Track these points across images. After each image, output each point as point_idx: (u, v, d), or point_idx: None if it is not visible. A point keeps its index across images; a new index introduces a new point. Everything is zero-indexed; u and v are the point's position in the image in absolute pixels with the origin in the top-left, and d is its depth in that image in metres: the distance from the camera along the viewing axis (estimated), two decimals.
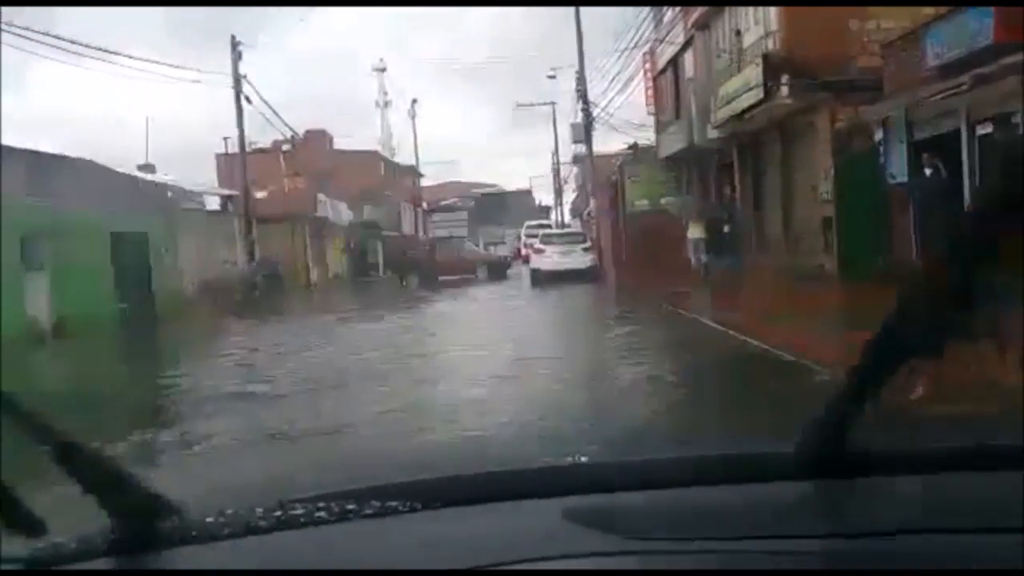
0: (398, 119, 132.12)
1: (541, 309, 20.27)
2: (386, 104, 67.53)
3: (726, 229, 23.63)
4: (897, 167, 14.44)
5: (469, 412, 7.25)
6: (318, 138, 52.87)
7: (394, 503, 1.07)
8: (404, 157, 65.41)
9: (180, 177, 29.07)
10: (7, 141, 18.75)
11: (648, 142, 31.79)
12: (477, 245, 40.85)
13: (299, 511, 1.06)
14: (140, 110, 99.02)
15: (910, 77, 13.70)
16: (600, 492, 1.09)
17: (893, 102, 14.00)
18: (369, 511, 1.06)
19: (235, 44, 26.83)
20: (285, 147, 44.93)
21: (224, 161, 49.87)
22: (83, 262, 19.69)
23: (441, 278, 30.48)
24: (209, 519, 1.05)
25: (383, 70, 66.43)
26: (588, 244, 29.59)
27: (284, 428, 7.24)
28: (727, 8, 21.52)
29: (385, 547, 1.02)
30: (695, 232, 22.39)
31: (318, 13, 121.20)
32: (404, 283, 31.54)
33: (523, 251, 37.50)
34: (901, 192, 14.50)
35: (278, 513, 1.06)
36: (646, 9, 27.27)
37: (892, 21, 16.71)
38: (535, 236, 33.36)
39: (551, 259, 27.47)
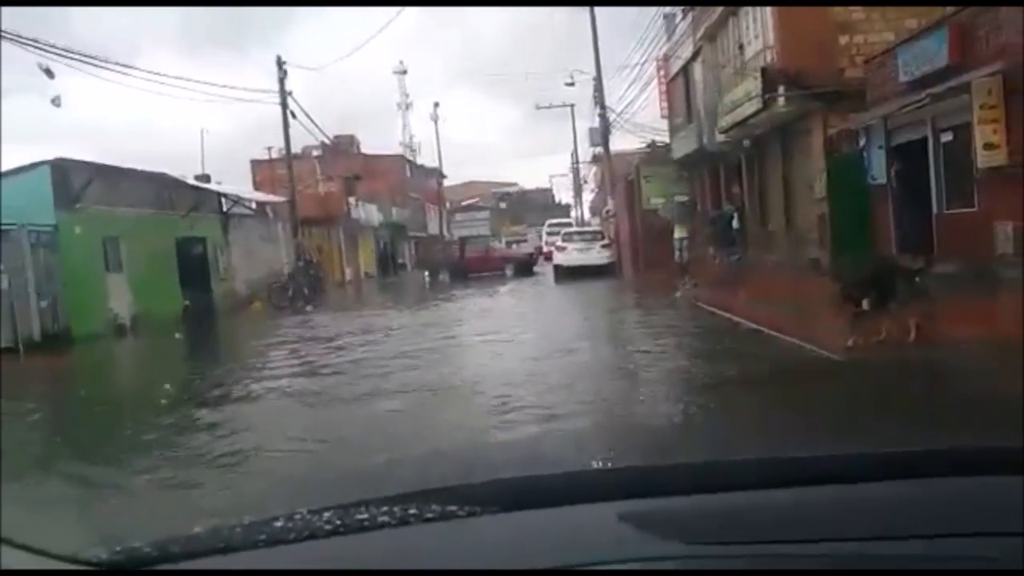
0: (417, 119, 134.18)
1: (566, 301, 22.34)
2: (407, 106, 69.73)
3: (735, 225, 25.65)
4: (877, 169, 16.40)
5: (530, 382, 8.73)
6: (346, 143, 55.15)
7: (453, 507, 1.09)
8: (426, 158, 67.54)
9: (218, 183, 31.36)
10: (83, 156, 20.95)
11: (664, 141, 33.75)
12: (500, 243, 42.70)
13: (363, 515, 1.10)
14: (184, 122, 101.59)
15: (887, 90, 15.65)
16: (652, 496, 1.12)
17: (873, 112, 15.94)
18: (430, 515, 1.09)
19: (280, 63, 29.11)
20: (315, 153, 47.16)
21: (258, 167, 52.40)
22: (154, 264, 21.99)
23: (470, 275, 32.37)
24: (275, 522, 1.11)
25: (404, 72, 68.45)
26: (607, 241, 31.58)
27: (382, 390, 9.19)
28: (731, 22, 23.45)
29: (446, 550, 1.05)
30: (679, 232, 25.18)
31: (335, 19, 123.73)
32: (436, 280, 33.47)
33: (544, 249, 39.42)
34: (882, 191, 16.45)
35: (339, 518, 1.09)
36: (660, 19, 29.44)
37: (876, 36, 18.67)
38: (556, 234, 35.32)
39: (572, 256, 29.50)
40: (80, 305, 18.53)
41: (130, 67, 21.99)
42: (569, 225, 46.79)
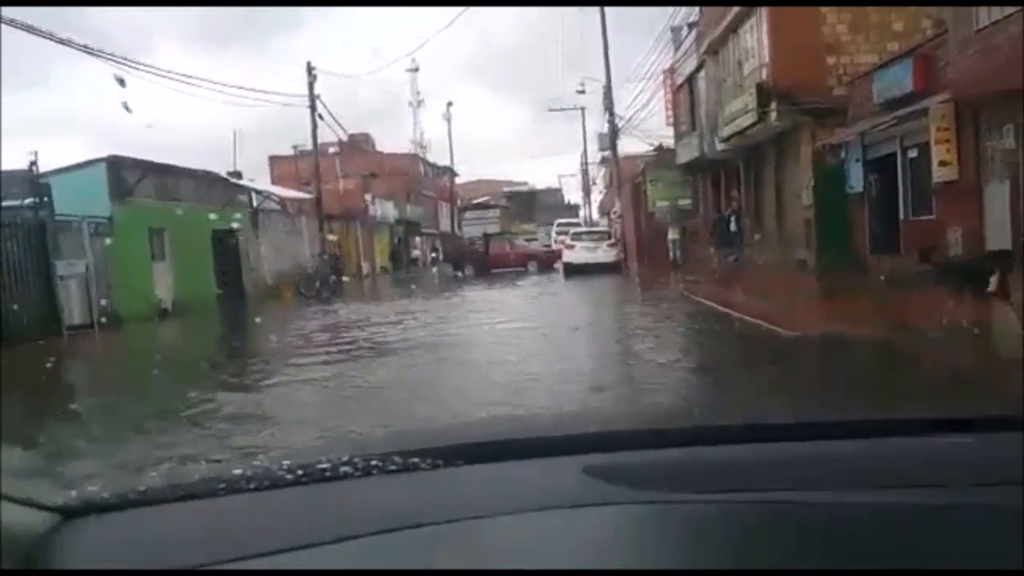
0: (429, 117, 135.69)
1: (576, 293, 24.16)
2: (419, 104, 71.27)
3: (733, 228, 27.48)
4: (855, 180, 18.17)
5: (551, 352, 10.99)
6: (362, 141, 56.91)
7: (416, 460, 1.12)
8: (438, 156, 69.16)
9: (251, 180, 33.26)
10: (124, 152, 22.75)
11: (671, 145, 35.57)
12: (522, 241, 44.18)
13: (324, 465, 1.13)
14: (198, 117, 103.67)
15: (864, 110, 17.41)
16: (618, 451, 1.15)
17: (851, 129, 17.70)
18: (392, 467, 1.11)
19: (310, 69, 31.03)
20: (332, 150, 48.94)
21: (276, 163, 54.35)
22: (192, 254, 23.83)
23: (493, 270, 34.05)
24: (235, 470, 1.14)
25: (416, 70, 69.78)
26: (613, 240, 33.35)
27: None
28: (732, 40, 25.20)
29: (404, 500, 1.06)
30: (672, 234, 28.45)
31: (344, 18, 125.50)
32: (463, 273, 35.22)
33: (554, 247, 41.22)
34: (859, 199, 18.21)
35: (300, 468, 1.12)
36: (667, 33, 31.27)
37: (862, 57, 20.41)
38: (565, 233, 37.11)
39: (580, 254, 31.25)
40: (129, 289, 20.36)
41: (161, 70, 23.42)
42: (578, 225, 48.38)
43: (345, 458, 1.12)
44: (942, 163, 14.19)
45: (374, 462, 1.11)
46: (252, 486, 1.09)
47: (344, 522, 0.97)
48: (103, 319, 17.77)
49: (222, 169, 29.60)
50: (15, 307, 15.05)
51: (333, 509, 1.04)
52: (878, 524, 0.95)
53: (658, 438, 1.22)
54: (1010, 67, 11.25)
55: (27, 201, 16.94)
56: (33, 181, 17.27)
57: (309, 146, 50.84)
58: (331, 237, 34.07)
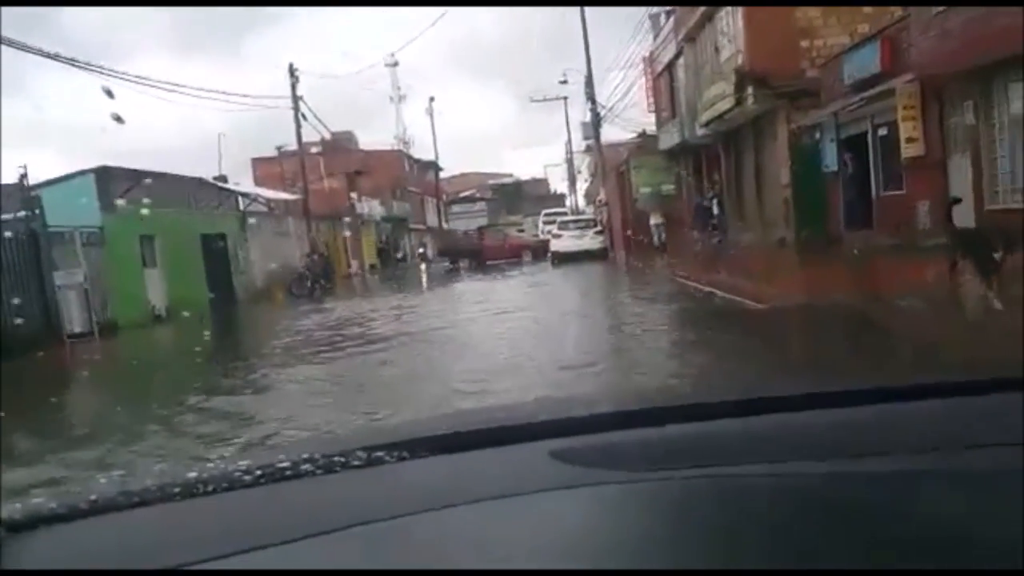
0: (410, 111, 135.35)
1: (565, 280, 24.63)
2: (400, 99, 71.35)
3: (715, 211, 27.99)
4: (829, 159, 18.62)
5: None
6: (345, 139, 57.09)
7: (380, 454, 1.10)
8: (421, 151, 69.34)
9: (236, 184, 33.55)
10: (99, 158, 23.02)
11: (654, 131, 36.02)
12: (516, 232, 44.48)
13: (283, 463, 1.09)
14: (176, 118, 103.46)
15: (836, 91, 17.85)
16: (585, 434, 1.14)
17: (824, 110, 18.14)
18: (356, 462, 1.09)
19: (292, 70, 31.32)
20: (314, 149, 49.16)
21: (258, 164, 54.53)
22: (183, 260, 24.14)
23: (488, 262, 34.62)
24: (190, 473, 1.10)
25: (395, 65, 69.67)
26: (599, 228, 33.82)
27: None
28: (708, 27, 25.61)
29: (368, 495, 1.04)
30: (655, 219, 29.52)
31: (319, 14, 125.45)
32: (457, 267, 35.71)
33: (541, 236, 41.63)
34: (834, 177, 18.67)
35: (259, 468, 1.09)
36: (647, 22, 31.69)
37: (834, 39, 20.82)
38: (553, 223, 37.54)
39: (567, 243, 31.71)
40: (123, 297, 20.68)
41: (145, 78, 23.71)
42: (564, 214, 48.76)
43: (305, 455, 1.10)
44: (909, 140, 14.64)
45: (337, 458, 1.09)
46: (209, 489, 1.06)
47: (306, 520, 0.95)
48: (101, 327, 18.10)
49: (204, 172, 29.90)
50: (15, 318, 15.38)
51: (294, 507, 1.02)
52: (869, 493, 0.94)
53: (626, 419, 1.21)
54: (965, 48, 11.72)
55: (20, 214, 17.22)
56: (24, 194, 17.56)
57: (291, 147, 51.36)
58: (320, 237, 34.37)
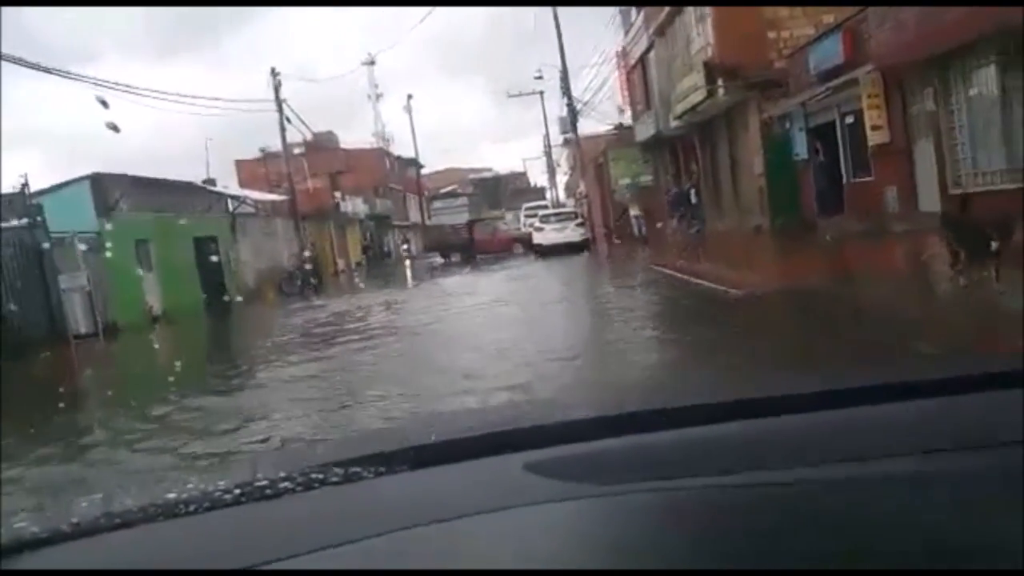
0: (388, 109, 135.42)
1: (549, 271, 25.42)
2: (378, 97, 71.60)
3: (693, 200, 28.82)
4: (800, 147, 19.46)
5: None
6: (326, 139, 57.56)
7: (357, 469, 1.10)
8: (400, 148, 69.75)
9: (225, 186, 34.08)
10: (99, 168, 23.56)
11: (631, 123, 36.81)
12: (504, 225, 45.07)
13: (262, 483, 1.09)
14: (156, 121, 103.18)
15: (803, 81, 18.66)
16: (560, 444, 1.12)
17: (793, 100, 18.95)
18: (335, 479, 1.09)
19: (275, 73, 31.91)
20: (296, 150, 49.64)
21: (242, 166, 54.97)
22: (177, 262, 24.74)
23: (478, 255, 35.35)
24: (170, 494, 1.10)
25: (372, 63, 69.81)
26: (580, 220, 34.53)
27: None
28: (678, 21, 26.39)
29: (349, 511, 1.04)
30: (634, 210, 30.58)
31: (294, 14, 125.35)
32: (449, 261, 36.46)
33: (523, 230, 42.30)
34: (805, 165, 19.51)
35: (238, 488, 1.08)
36: (617, 17, 32.44)
37: (800, 30, 21.62)
38: (534, 216, 38.23)
39: (549, 235, 32.42)
40: (122, 299, 21.28)
41: (131, 87, 24.18)
42: (545, 207, 49.38)
43: (283, 474, 1.10)
44: (875, 127, 15.46)
45: (314, 475, 1.09)
46: (190, 509, 1.06)
47: (286, 540, 0.95)
48: (103, 328, 18.72)
49: (187, 174, 30.39)
50: (23, 320, 15.99)
51: (275, 528, 1.02)
52: (865, 500, 0.92)
53: (605, 426, 1.18)
54: (919, 39, 12.54)
55: (23, 221, 17.80)
56: (26, 202, 18.13)
57: (274, 148, 51.89)
58: (307, 236, 34.95)
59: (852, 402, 1.16)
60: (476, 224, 40.43)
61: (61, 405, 8.32)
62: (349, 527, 0.98)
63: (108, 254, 21.05)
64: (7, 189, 18.22)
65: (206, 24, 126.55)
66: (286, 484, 1.08)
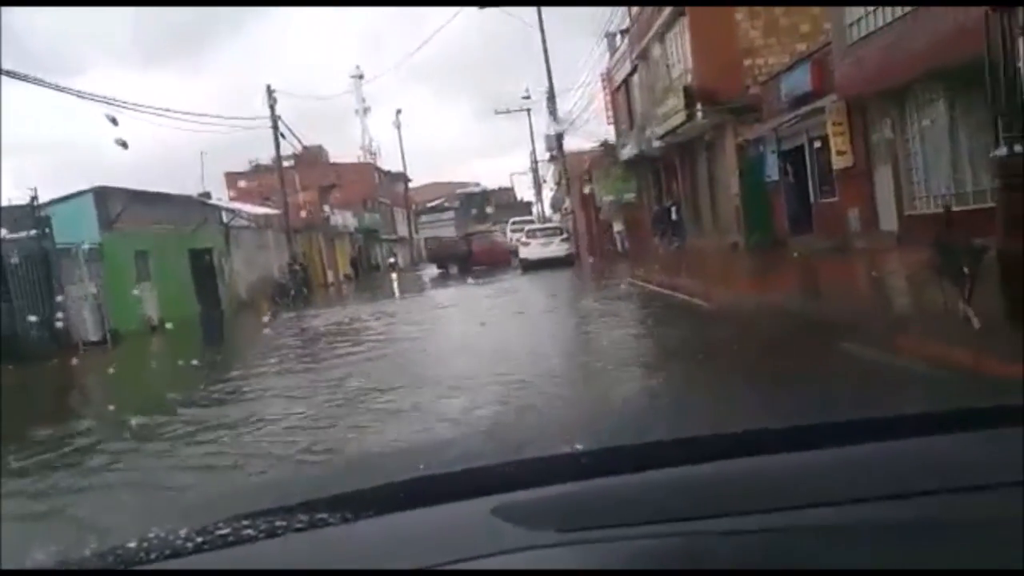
0: (374, 122, 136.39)
1: (534, 285, 26.41)
2: (365, 111, 72.46)
3: (674, 217, 29.93)
4: (772, 169, 20.55)
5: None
6: (315, 153, 58.48)
7: (323, 515, 1.07)
8: (386, 162, 70.69)
9: (219, 199, 34.99)
10: (108, 182, 24.43)
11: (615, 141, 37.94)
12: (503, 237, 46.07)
13: (224, 530, 1.06)
14: (142, 134, 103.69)
15: (775, 108, 19.76)
16: (527, 487, 1.09)
17: (765, 125, 20.05)
18: (299, 525, 1.07)
19: (271, 91, 32.90)
20: (285, 163, 50.54)
21: (231, 179, 55.89)
22: (174, 274, 25.58)
23: (475, 267, 36.38)
24: (131, 544, 1.06)
25: (360, 77, 70.62)
26: (565, 235, 35.51)
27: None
28: (659, 47, 27.52)
29: (309, 559, 1.01)
30: (617, 226, 32.25)
31: (283, 24, 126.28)
32: (447, 272, 37.53)
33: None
34: (777, 186, 20.60)
35: (199, 535, 1.06)
36: (603, 41, 33.62)
37: (775, 58, 22.76)
38: (520, 231, 39.21)
39: (535, 250, 33.34)
40: (122, 308, 22.10)
41: (136, 104, 24.96)
42: (532, 222, 50.33)
43: (246, 522, 1.07)
44: (839, 152, 16.55)
45: (279, 522, 1.06)
46: (152, 556, 1.04)
47: None
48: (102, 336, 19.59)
49: (176, 184, 31.25)
50: (34, 328, 16.84)
51: None
52: (860, 546, 0.89)
53: (577, 466, 1.14)
54: (876, 74, 13.62)
55: (32, 232, 18.64)
56: (34, 214, 18.99)
57: (263, 161, 53.04)
58: (298, 249, 35.83)
59: (823, 443, 1.13)
60: (474, 236, 41.52)
61: (110, 405, 9.25)
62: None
63: (108, 264, 21.92)
64: (16, 200, 19.09)
65: (193, 34, 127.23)
66: (249, 531, 1.06)
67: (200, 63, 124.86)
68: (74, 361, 15.61)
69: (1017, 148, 5.78)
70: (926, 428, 1.14)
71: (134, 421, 7.82)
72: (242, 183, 54.18)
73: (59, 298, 18.62)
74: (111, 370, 14.62)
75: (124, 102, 24.88)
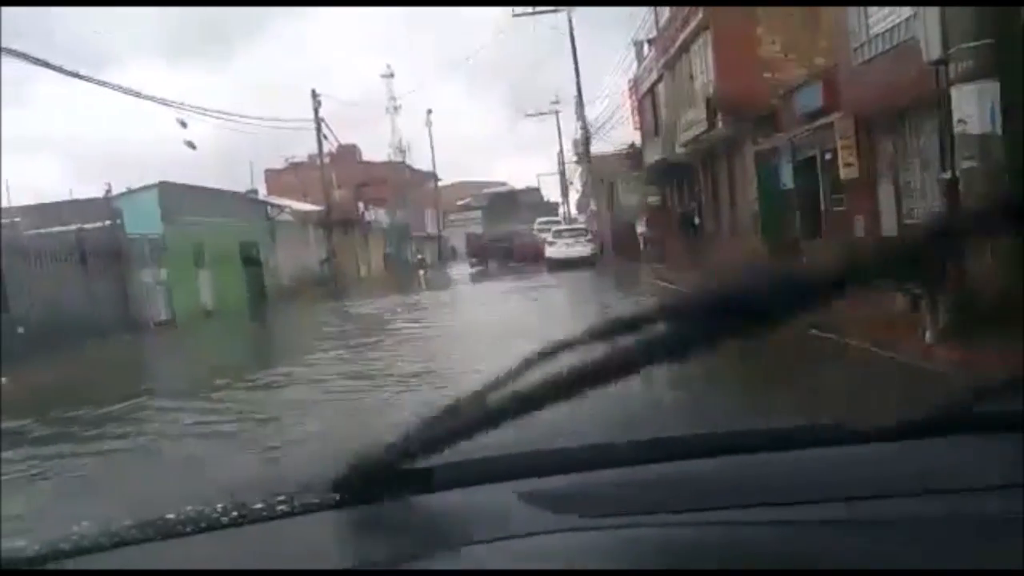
0: (403, 120, 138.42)
1: (561, 281, 28.08)
2: (395, 109, 74.02)
3: (696, 221, 31.46)
4: (786, 178, 22.03)
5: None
6: (349, 151, 60.33)
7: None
8: (417, 160, 72.33)
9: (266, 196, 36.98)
10: (170, 177, 26.28)
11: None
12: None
13: (259, 506, 1.07)
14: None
15: (791, 120, 21.23)
16: (557, 474, 1.10)
17: (781, 136, 21.54)
18: (313, 507, 1.07)
19: (315, 95, 34.79)
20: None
21: (271, 176, 57.96)
22: (225, 264, 27.48)
23: (511, 264, 38.48)
24: (170, 516, 1.07)
25: (391, 76, 72.18)
26: (590, 236, 37.09)
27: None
28: (684, 57, 29.04)
29: (333, 540, 1.03)
30: (641, 228, 33.96)
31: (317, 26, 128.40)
32: (486, 268, 39.60)
33: None
34: (791, 194, 22.07)
35: (235, 512, 1.06)
36: (632, 50, 35.19)
37: (793, 73, 24.20)
38: (547, 231, 40.82)
39: (561, 250, 34.94)
40: (183, 294, 24.01)
41: (184, 104, 26.62)
42: (558, 223, 51.87)
43: (281, 497, 1.09)
44: (847, 164, 18.01)
45: (302, 502, 1.08)
46: (188, 530, 1.05)
47: (283, 562, 0.98)
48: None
49: (213, 179, 33.01)
50: (111, 308, 18.73)
51: (267, 551, 1.03)
52: (870, 542, 0.90)
53: (601, 455, 1.17)
54: (878, 95, 15.13)
55: (106, 223, 20.54)
56: (109, 205, 20.89)
57: (298, 158, 55.19)
58: (334, 243, 37.66)
59: (841, 441, 1.14)
60: (514, 235, 43.56)
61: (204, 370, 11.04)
62: (343, 555, 1.02)
63: (170, 254, 23.81)
64: (77, 194, 21.09)
65: (219, 31, 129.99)
66: (282, 508, 1.07)
67: (228, 61, 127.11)
68: (153, 336, 17.54)
69: (947, 175, 7.32)
70: (933, 430, 1.14)
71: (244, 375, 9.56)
72: (280, 179, 56.26)
73: (145, 279, 20.58)
74: (193, 341, 16.49)
75: (174, 102, 26.77)
